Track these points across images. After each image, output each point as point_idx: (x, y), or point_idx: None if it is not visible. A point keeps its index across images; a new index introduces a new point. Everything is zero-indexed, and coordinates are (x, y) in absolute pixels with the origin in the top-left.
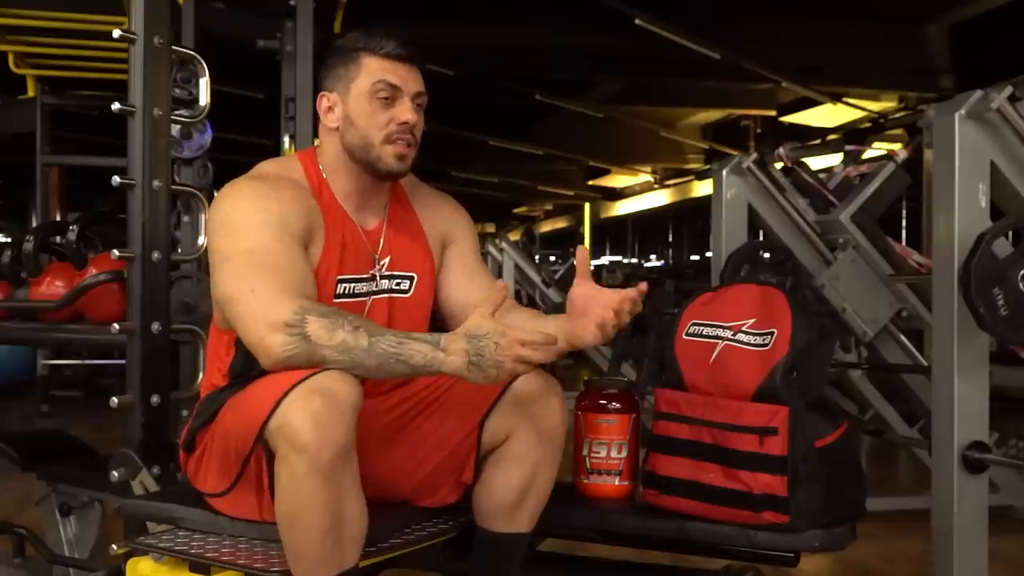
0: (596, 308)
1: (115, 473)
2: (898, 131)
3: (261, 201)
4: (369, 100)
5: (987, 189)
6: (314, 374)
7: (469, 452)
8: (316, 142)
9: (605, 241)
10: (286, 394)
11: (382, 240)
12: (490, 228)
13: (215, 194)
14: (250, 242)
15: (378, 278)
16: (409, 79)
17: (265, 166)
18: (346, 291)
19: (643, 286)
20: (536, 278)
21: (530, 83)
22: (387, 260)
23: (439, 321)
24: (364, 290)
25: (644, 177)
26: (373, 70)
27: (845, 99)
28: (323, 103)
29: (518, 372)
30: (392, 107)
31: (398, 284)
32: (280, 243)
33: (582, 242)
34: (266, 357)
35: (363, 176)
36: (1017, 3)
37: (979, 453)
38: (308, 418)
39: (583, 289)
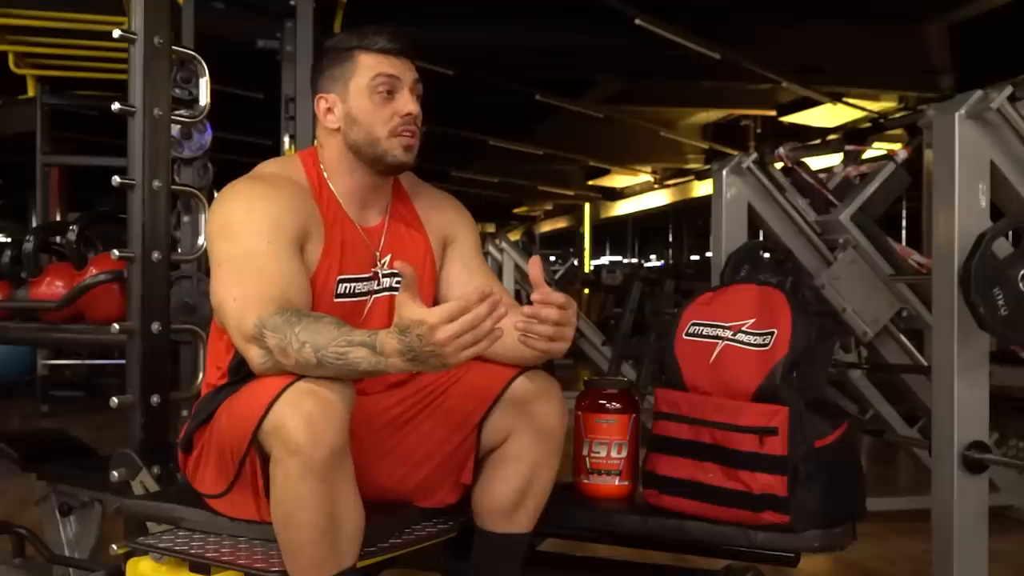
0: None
1: (115, 473)
2: (898, 131)
3: (257, 203)
4: (370, 96)
5: (987, 189)
6: (305, 376)
7: (468, 452)
8: (316, 142)
9: (605, 241)
10: (279, 396)
11: (383, 238)
12: (490, 228)
13: (215, 194)
14: (241, 247)
15: (380, 276)
16: (405, 69)
17: (266, 166)
18: (347, 291)
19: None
20: None
21: (530, 83)
22: (388, 258)
23: None
24: (365, 289)
25: (644, 177)
26: (370, 66)
27: (845, 99)
28: (321, 105)
29: (465, 353)
30: (393, 100)
31: (398, 282)
32: (270, 246)
33: (582, 242)
34: (251, 366)
35: (367, 174)
36: (1017, 3)
37: (979, 453)
38: (300, 419)
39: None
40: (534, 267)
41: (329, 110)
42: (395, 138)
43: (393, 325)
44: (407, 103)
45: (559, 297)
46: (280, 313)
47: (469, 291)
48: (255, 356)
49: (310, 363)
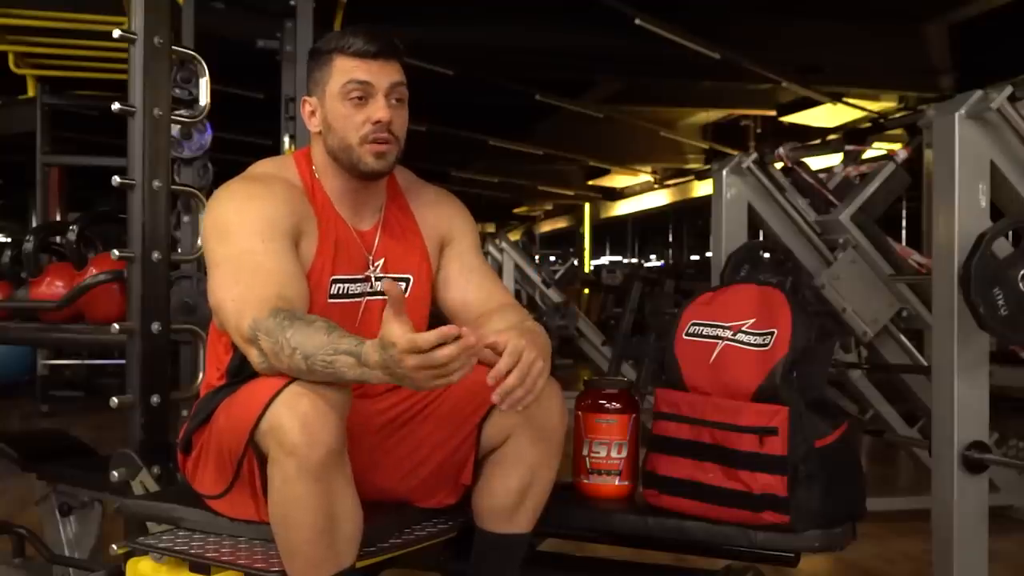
0: None
1: (115, 473)
2: (898, 131)
3: (251, 202)
4: (342, 102)
5: (987, 189)
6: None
7: (468, 453)
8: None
9: (605, 241)
10: (275, 396)
11: (376, 242)
12: (490, 228)
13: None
14: (237, 247)
15: (372, 280)
16: (381, 74)
17: (259, 166)
18: (340, 291)
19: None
20: (536, 278)
21: (530, 83)
22: (381, 262)
23: (442, 321)
24: (359, 291)
25: (644, 177)
26: (344, 70)
27: (845, 99)
28: (306, 108)
29: (433, 386)
30: (366, 106)
31: None
32: (266, 245)
33: (582, 242)
34: (251, 364)
35: (349, 179)
36: (1017, 3)
37: (979, 453)
38: (297, 420)
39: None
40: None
41: (312, 113)
42: (366, 145)
43: (379, 336)
44: (378, 109)
45: (511, 343)
46: (273, 315)
47: (447, 328)
48: (254, 357)
49: (301, 369)
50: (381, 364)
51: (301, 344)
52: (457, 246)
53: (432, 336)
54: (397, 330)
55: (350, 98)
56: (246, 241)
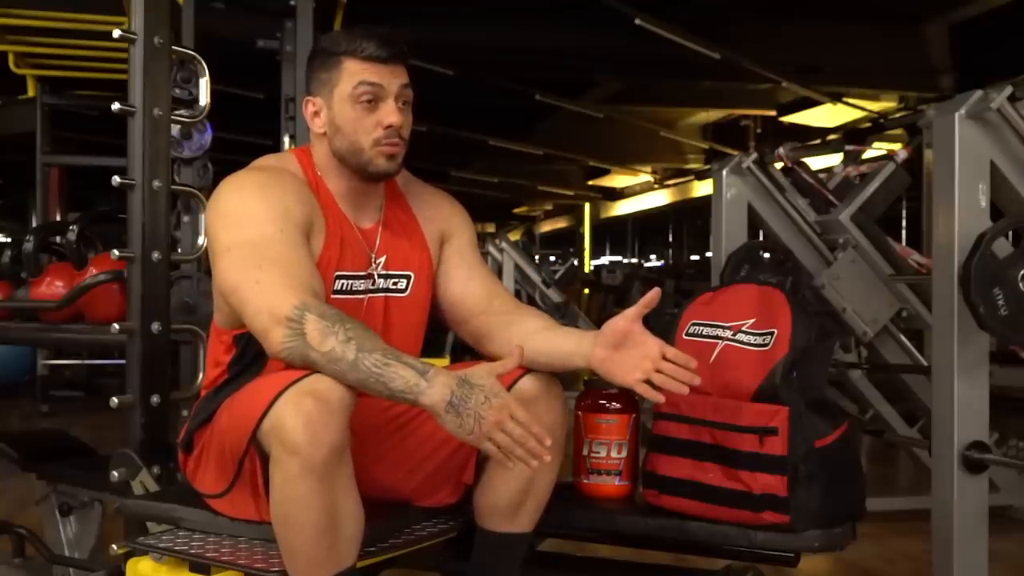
0: (636, 356)
1: (115, 473)
2: (898, 131)
3: (263, 191)
4: (353, 105)
5: (987, 189)
6: (307, 376)
7: (470, 452)
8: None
9: (605, 241)
10: (279, 396)
11: (378, 240)
12: (490, 228)
13: None
14: (253, 232)
15: (375, 277)
16: (392, 77)
17: (264, 160)
18: (344, 287)
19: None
20: (536, 278)
21: (530, 83)
22: (383, 259)
23: (439, 317)
24: (362, 287)
25: (644, 177)
26: (354, 73)
27: (845, 99)
28: (309, 108)
29: (494, 439)
30: (377, 110)
31: (395, 283)
32: (283, 234)
33: (582, 242)
34: (268, 347)
35: (354, 179)
36: (1017, 3)
37: (979, 453)
38: (300, 419)
39: (627, 325)
40: (651, 297)
41: (316, 114)
42: (377, 148)
43: (463, 371)
44: (390, 113)
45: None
46: (324, 304)
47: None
48: (278, 337)
49: (345, 358)
50: (451, 388)
51: (358, 336)
52: (456, 242)
53: (542, 433)
54: (493, 378)
55: (360, 101)
56: (263, 227)
